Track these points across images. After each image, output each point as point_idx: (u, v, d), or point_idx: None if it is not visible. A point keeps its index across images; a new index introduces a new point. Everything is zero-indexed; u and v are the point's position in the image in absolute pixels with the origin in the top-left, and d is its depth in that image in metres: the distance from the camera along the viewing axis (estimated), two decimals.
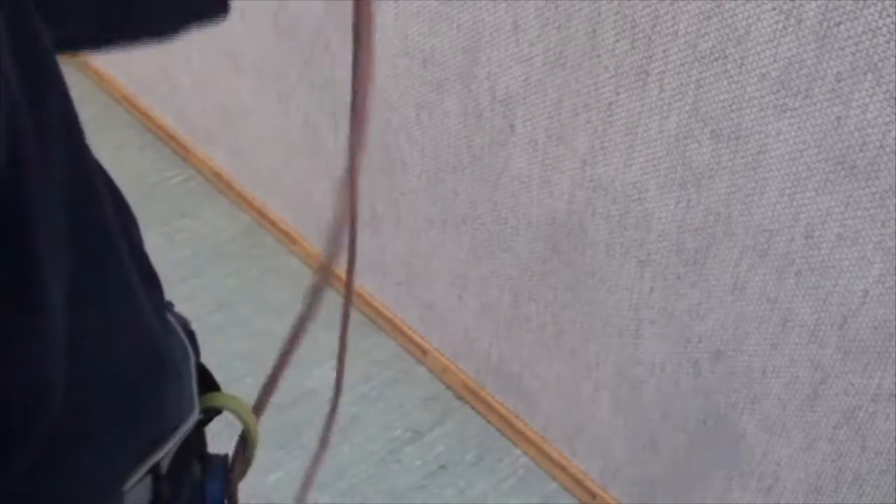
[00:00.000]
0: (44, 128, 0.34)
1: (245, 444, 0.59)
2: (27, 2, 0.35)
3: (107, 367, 0.40)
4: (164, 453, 0.46)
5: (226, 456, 0.59)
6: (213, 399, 0.56)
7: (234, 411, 0.57)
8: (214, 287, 2.03)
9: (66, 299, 0.35)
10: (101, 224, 0.39)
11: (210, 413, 0.56)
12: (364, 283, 1.97)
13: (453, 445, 1.73)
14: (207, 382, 0.57)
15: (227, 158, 2.29)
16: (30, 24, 0.35)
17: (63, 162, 0.36)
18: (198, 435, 0.57)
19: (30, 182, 0.31)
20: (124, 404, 0.42)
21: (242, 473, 0.59)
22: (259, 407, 0.59)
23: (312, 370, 1.85)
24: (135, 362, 0.43)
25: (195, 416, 0.50)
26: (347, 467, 1.67)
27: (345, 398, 1.79)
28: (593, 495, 1.59)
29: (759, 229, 1.08)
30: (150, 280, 0.49)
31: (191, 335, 0.56)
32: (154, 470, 0.46)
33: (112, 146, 2.41)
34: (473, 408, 1.80)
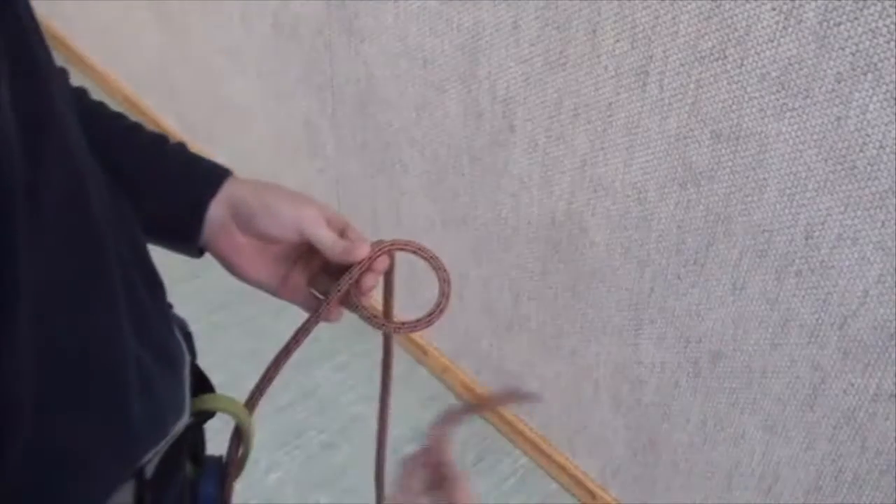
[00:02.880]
0: (40, 156, 0.33)
1: (239, 442, 0.58)
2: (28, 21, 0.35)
3: (100, 372, 0.40)
4: (150, 457, 0.45)
5: (220, 457, 0.58)
6: (208, 401, 0.55)
7: (230, 413, 0.57)
8: (216, 287, 2.03)
9: (51, 309, 0.35)
10: (96, 240, 0.39)
11: (203, 415, 0.55)
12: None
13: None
14: (202, 384, 0.57)
15: (228, 158, 2.29)
16: (31, 48, 0.34)
17: (59, 189, 0.35)
18: (193, 437, 0.56)
19: (16, 213, 0.31)
20: (114, 408, 0.41)
21: (237, 473, 0.59)
22: (251, 405, 0.59)
23: (312, 370, 1.85)
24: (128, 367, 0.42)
25: (185, 420, 0.49)
26: (347, 467, 1.67)
27: (345, 398, 1.80)
28: (593, 495, 1.59)
29: (759, 229, 1.08)
30: (155, 284, 0.49)
31: (188, 337, 0.56)
32: (138, 474, 0.44)
33: None
34: None
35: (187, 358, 0.52)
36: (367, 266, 0.59)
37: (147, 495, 0.45)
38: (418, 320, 0.59)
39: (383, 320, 0.60)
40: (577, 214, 1.33)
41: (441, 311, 0.60)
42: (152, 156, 0.58)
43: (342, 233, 0.61)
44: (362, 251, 0.58)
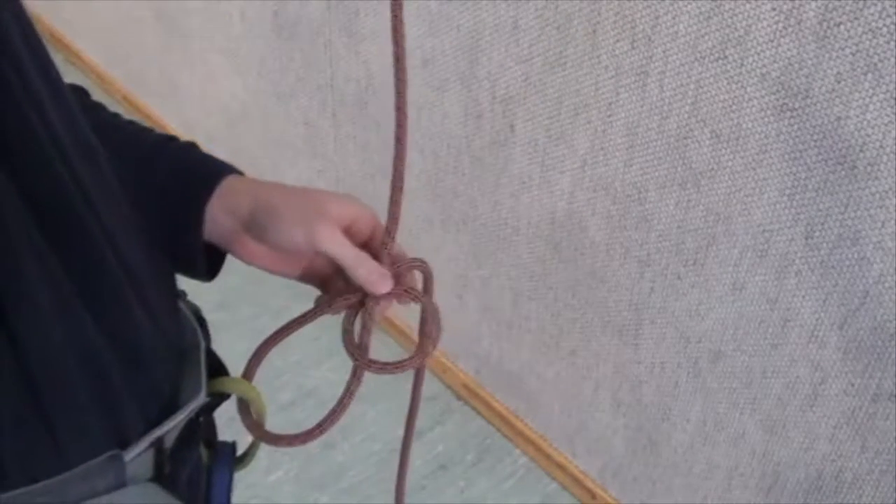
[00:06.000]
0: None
1: (248, 408, 0.59)
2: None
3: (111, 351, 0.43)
4: (169, 429, 0.47)
5: (234, 443, 0.59)
6: (222, 384, 0.57)
7: (242, 394, 0.58)
8: (215, 286, 2.03)
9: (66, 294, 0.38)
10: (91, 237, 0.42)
11: (218, 398, 0.57)
12: None
13: (453, 445, 1.73)
14: (217, 368, 0.58)
15: (228, 158, 2.29)
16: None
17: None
18: (207, 420, 0.58)
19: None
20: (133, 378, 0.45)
21: (259, 434, 0.59)
22: (247, 375, 0.60)
23: (312, 370, 1.85)
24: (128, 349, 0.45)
25: (202, 399, 0.52)
26: (348, 467, 1.67)
27: None
28: (593, 495, 1.59)
29: (759, 229, 1.08)
30: (163, 269, 0.51)
31: (202, 322, 0.58)
32: (158, 444, 0.47)
33: None
34: (473, 408, 1.80)
35: (202, 343, 0.55)
36: (379, 301, 0.59)
37: (166, 464, 0.48)
38: (396, 363, 0.58)
39: (357, 354, 0.58)
40: (577, 214, 1.33)
41: (422, 360, 0.59)
42: (149, 161, 0.58)
43: (370, 238, 0.60)
44: (382, 287, 0.57)
